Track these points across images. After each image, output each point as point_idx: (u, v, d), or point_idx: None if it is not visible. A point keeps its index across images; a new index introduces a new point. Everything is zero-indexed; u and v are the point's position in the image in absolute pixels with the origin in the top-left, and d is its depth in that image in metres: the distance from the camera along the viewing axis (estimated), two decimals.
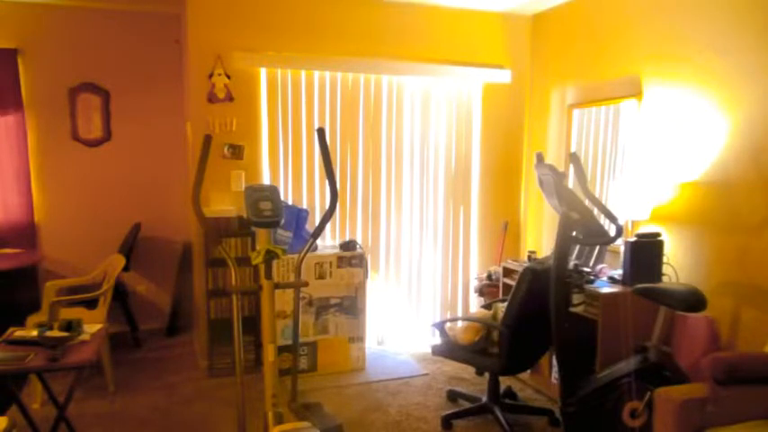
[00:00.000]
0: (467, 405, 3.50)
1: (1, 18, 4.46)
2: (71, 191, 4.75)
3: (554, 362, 3.81)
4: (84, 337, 2.78)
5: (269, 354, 2.57)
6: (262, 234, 2.62)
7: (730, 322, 3.14)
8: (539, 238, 4.86)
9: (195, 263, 4.39)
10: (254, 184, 2.67)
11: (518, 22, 4.81)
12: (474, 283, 4.87)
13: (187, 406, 3.58)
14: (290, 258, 3.95)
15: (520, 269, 3.23)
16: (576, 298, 3.43)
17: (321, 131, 2.79)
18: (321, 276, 4.08)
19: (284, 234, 4.00)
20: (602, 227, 3.08)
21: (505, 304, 3.25)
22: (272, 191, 2.61)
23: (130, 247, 4.47)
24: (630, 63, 3.80)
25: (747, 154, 3.06)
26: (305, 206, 4.32)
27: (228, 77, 4.12)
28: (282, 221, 2.82)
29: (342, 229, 4.55)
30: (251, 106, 4.20)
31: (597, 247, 3.90)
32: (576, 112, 4.34)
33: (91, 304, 3.85)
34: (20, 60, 4.52)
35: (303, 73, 4.30)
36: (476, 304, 4.89)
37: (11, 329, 2.88)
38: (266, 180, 4.30)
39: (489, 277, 4.58)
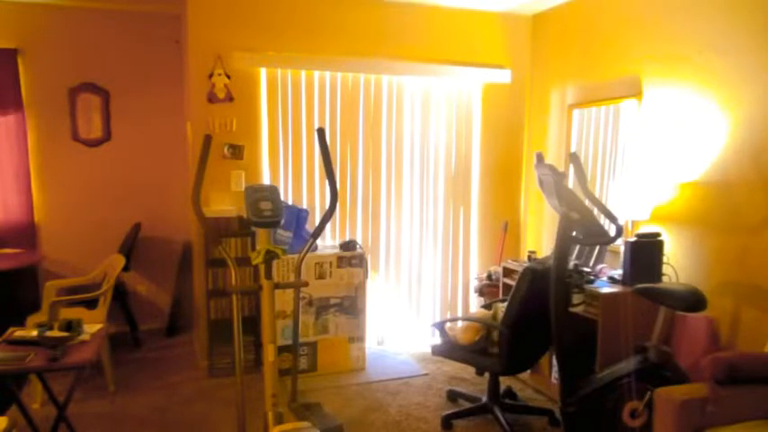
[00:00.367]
0: (467, 405, 3.50)
1: (1, 18, 4.46)
2: (71, 191, 4.75)
3: (554, 362, 3.81)
4: (84, 337, 2.78)
5: (269, 354, 2.57)
6: (262, 234, 2.62)
7: (730, 322, 3.14)
8: (539, 238, 4.86)
9: (195, 263, 4.39)
10: (254, 184, 2.67)
11: (518, 22, 4.81)
12: (474, 283, 4.87)
13: (187, 406, 3.58)
14: (290, 258, 3.95)
15: (520, 269, 3.22)
16: (576, 298, 3.43)
17: (321, 131, 2.79)
18: (321, 276, 4.08)
19: (284, 234, 4.00)
20: (602, 227, 3.08)
21: (505, 304, 3.25)
22: (272, 191, 2.61)
23: (130, 247, 4.47)
24: (630, 63, 3.80)
25: (747, 154, 3.06)
26: (305, 206, 4.32)
27: (228, 77, 4.12)
28: (282, 221, 2.82)
29: (342, 229, 4.55)
30: (251, 106, 4.20)
31: (597, 247, 3.90)
32: (575, 112, 4.34)
33: (91, 304, 3.85)
34: (20, 60, 4.52)
35: (303, 73, 4.30)
36: (476, 304, 4.89)
37: (11, 329, 2.88)
38: (266, 180, 4.30)
39: (489, 277, 4.58)
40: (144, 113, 4.88)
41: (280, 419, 2.54)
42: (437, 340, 3.55)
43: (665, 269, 3.35)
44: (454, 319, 4.12)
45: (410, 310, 4.81)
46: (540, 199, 4.61)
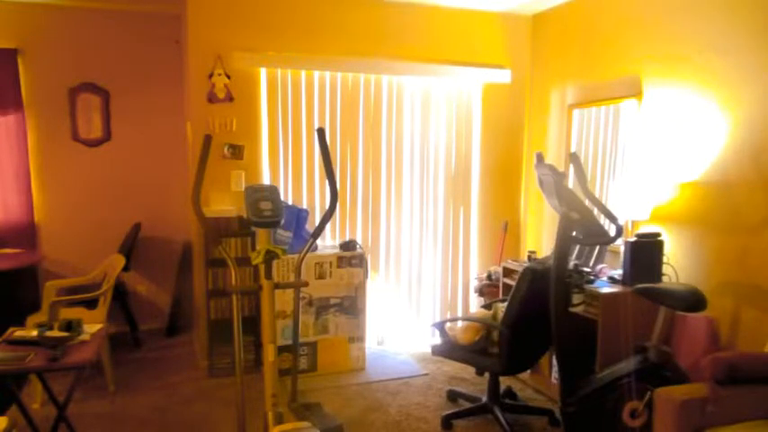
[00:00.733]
0: (467, 405, 3.50)
1: (1, 18, 4.46)
2: (71, 191, 4.75)
3: (554, 362, 3.81)
4: (84, 337, 2.78)
5: (269, 354, 2.57)
6: (262, 234, 2.62)
7: (730, 322, 3.14)
8: (539, 238, 4.86)
9: (195, 263, 4.39)
10: (254, 184, 2.67)
11: (518, 22, 4.81)
12: (474, 283, 4.87)
13: (187, 406, 3.58)
14: (290, 258, 3.95)
15: (520, 269, 3.22)
16: (576, 298, 3.43)
17: (321, 131, 2.79)
18: (321, 276, 4.08)
19: (284, 234, 4.00)
20: (602, 227, 3.08)
21: (505, 304, 3.25)
22: (272, 191, 2.61)
23: (130, 247, 4.47)
24: (630, 63, 3.80)
25: (747, 154, 3.06)
26: (305, 206, 4.33)
27: (228, 77, 4.12)
28: (282, 221, 2.82)
29: (342, 229, 4.55)
30: (251, 106, 4.20)
31: (597, 247, 3.90)
32: (575, 112, 4.34)
33: (91, 304, 3.85)
34: (20, 60, 4.52)
35: (303, 73, 4.30)
36: (476, 304, 4.89)
37: (11, 329, 2.88)
38: (266, 180, 4.30)
39: (489, 277, 4.58)
40: (144, 113, 4.88)
41: (280, 419, 2.54)
42: (437, 340, 3.55)
43: (665, 269, 3.35)
44: (454, 319, 4.12)
45: (410, 310, 4.81)
46: (540, 199, 4.61)
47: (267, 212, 2.53)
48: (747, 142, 3.06)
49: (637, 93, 3.74)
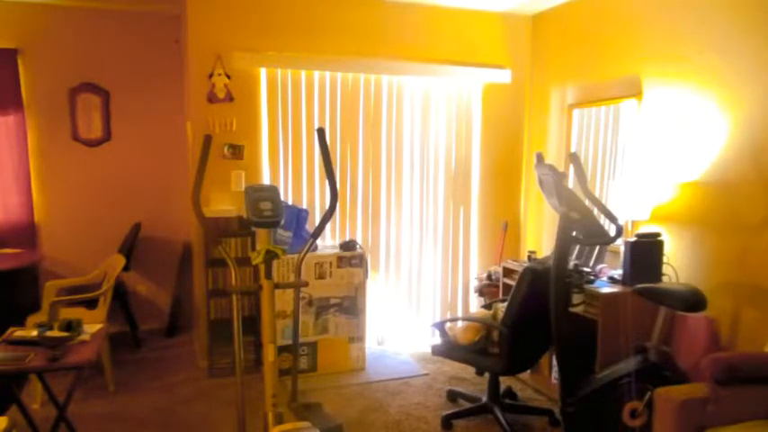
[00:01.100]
0: (467, 405, 3.50)
1: (1, 18, 4.46)
2: (71, 191, 4.75)
3: (554, 362, 3.81)
4: (84, 337, 2.78)
5: (269, 354, 2.57)
6: (262, 234, 2.62)
7: (730, 322, 3.14)
8: (539, 238, 4.86)
9: (195, 263, 4.39)
10: (254, 184, 2.67)
11: (518, 22, 4.81)
12: (474, 284, 4.87)
13: (187, 406, 3.58)
14: (290, 258, 3.94)
15: (520, 269, 3.23)
16: (576, 298, 3.43)
17: (321, 131, 2.79)
18: (321, 276, 4.08)
19: (284, 234, 4.00)
20: (602, 227, 3.08)
21: (505, 304, 3.25)
22: (272, 191, 2.60)
23: (130, 247, 4.47)
24: (630, 63, 3.80)
25: (747, 154, 3.06)
26: (305, 206, 4.32)
27: (228, 77, 4.12)
28: (282, 221, 2.82)
29: (342, 229, 4.55)
30: (251, 106, 4.21)
31: (597, 247, 3.90)
32: (575, 112, 4.34)
33: (91, 304, 3.85)
34: (20, 60, 4.52)
35: (303, 73, 4.30)
36: (476, 304, 4.89)
37: (11, 329, 2.88)
38: (266, 180, 4.30)
39: (489, 277, 4.58)
40: (144, 113, 4.88)
41: (280, 419, 2.54)
42: (437, 340, 3.55)
43: (665, 269, 3.35)
44: (454, 319, 4.12)
45: (410, 310, 4.81)
46: (540, 199, 4.61)
47: (267, 212, 2.53)
48: (747, 142, 3.06)
49: (637, 93, 3.74)
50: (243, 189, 3.66)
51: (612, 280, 3.46)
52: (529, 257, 4.12)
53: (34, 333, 2.69)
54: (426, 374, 4.12)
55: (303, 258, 2.83)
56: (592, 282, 3.50)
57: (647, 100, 3.67)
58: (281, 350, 3.79)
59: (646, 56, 3.68)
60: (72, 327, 2.71)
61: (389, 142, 4.60)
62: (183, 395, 3.73)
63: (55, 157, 4.68)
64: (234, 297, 2.63)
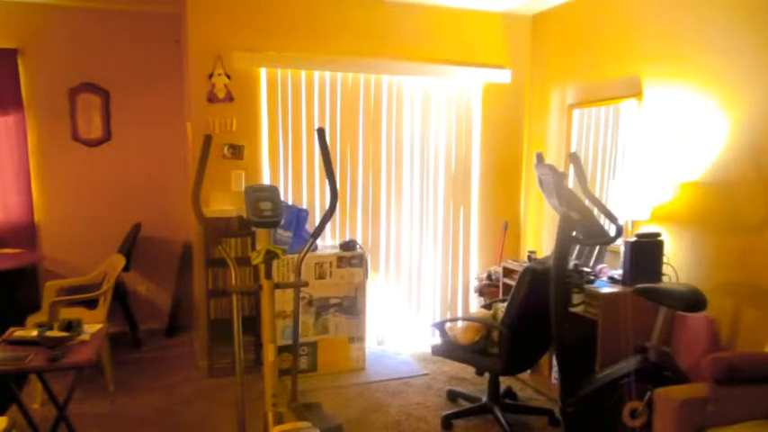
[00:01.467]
0: (467, 405, 3.50)
1: (1, 18, 4.46)
2: (71, 191, 4.75)
3: (554, 362, 3.81)
4: (84, 337, 2.78)
5: (269, 354, 2.57)
6: (262, 234, 2.62)
7: (730, 322, 3.14)
8: (539, 238, 4.86)
9: (195, 263, 4.39)
10: (254, 184, 2.67)
11: (518, 22, 4.81)
12: (474, 283, 4.87)
13: (187, 406, 3.58)
14: (290, 258, 3.95)
15: (520, 269, 3.23)
16: (576, 298, 3.43)
17: (321, 131, 2.79)
18: (321, 276, 4.08)
19: (284, 234, 4.00)
20: (602, 227, 3.07)
21: (505, 304, 3.25)
22: (272, 191, 2.61)
23: (130, 247, 4.47)
24: (630, 63, 3.80)
25: (747, 154, 3.06)
26: (305, 206, 4.33)
27: (228, 77, 4.12)
28: (282, 221, 2.82)
29: (342, 229, 4.55)
30: (251, 106, 4.21)
31: (597, 247, 3.90)
32: (576, 112, 4.34)
33: (91, 304, 3.85)
34: (20, 60, 4.52)
35: (303, 73, 4.30)
36: (476, 304, 4.89)
37: (11, 329, 2.88)
38: (266, 180, 4.30)
39: (489, 277, 4.58)
40: (144, 113, 4.88)
41: (280, 419, 2.54)
42: (437, 340, 3.55)
43: (665, 269, 3.35)
44: (454, 319, 4.12)
45: (410, 310, 4.81)
46: (540, 199, 4.61)
47: (267, 212, 2.53)
48: (747, 142, 3.06)
49: (637, 93, 3.74)
50: (243, 189, 3.67)
51: (612, 280, 3.46)
52: (529, 257, 4.12)
53: (34, 333, 2.69)
54: (426, 374, 4.12)
55: (303, 258, 2.83)
56: (592, 282, 3.50)
57: (647, 100, 3.67)
58: (281, 350, 3.79)
59: (646, 56, 3.68)
60: (72, 327, 2.71)
61: (389, 142, 4.60)
62: (183, 395, 3.73)
63: (55, 157, 4.68)
64: (234, 297, 2.64)
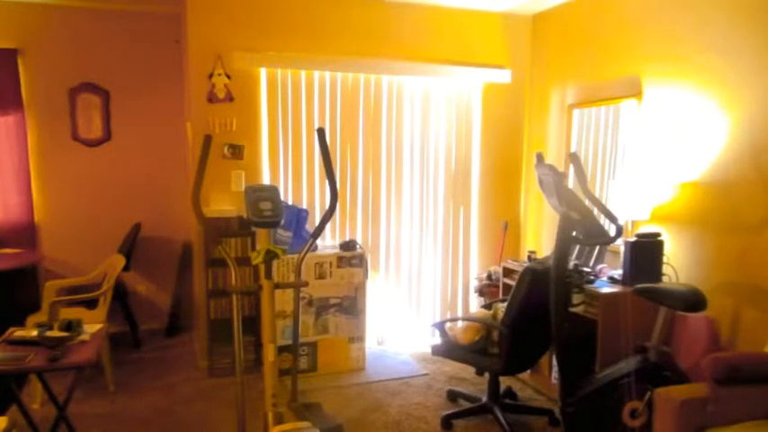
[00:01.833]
0: (467, 405, 3.50)
1: (1, 18, 4.46)
2: (71, 191, 4.75)
3: (554, 362, 3.81)
4: (84, 337, 2.78)
5: (269, 354, 2.57)
6: (262, 234, 2.62)
7: (730, 322, 3.14)
8: (539, 238, 4.86)
9: (195, 263, 4.39)
10: (254, 184, 2.67)
11: (518, 22, 4.81)
12: (474, 284, 4.87)
13: (187, 406, 3.58)
14: (290, 258, 3.95)
15: (520, 269, 3.22)
16: (576, 298, 3.43)
17: (321, 131, 2.79)
18: (321, 276, 4.08)
19: (284, 234, 4.00)
20: (602, 227, 3.07)
21: (505, 304, 3.25)
22: (272, 191, 2.61)
23: (130, 247, 4.47)
24: (630, 63, 3.80)
25: (747, 154, 3.06)
26: (305, 206, 4.33)
27: (228, 77, 4.12)
28: (282, 221, 2.82)
29: (342, 229, 4.55)
30: (251, 106, 4.21)
31: (597, 247, 3.90)
32: (576, 112, 4.34)
33: (91, 304, 3.85)
34: (20, 60, 4.52)
35: (303, 73, 4.30)
36: (476, 304, 4.89)
37: (11, 329, 2.88)
38: (266, 180, 4.30)
39: (489, 277, 4.58)
40: (144, 113, 4.88)
41: (280, 419, 2.54)
42: (437, 340, 3.55)
43: (665, 269, 3.35)
44: (454, 319, 4.12)
45: (410, 310, 4.81)
46: (540, 199, 4.61)
47: (267, 212, 2.53)
48: (747, 142, 3.06)
49: (637, 93, 3.74)
50: (243, 189, 3.67)
51: (612, 280, 3.46)
52: (529, 257, 4.12)
53: (34, 333, 2.69)
54: (426, 374, 4.12)
55: (303, 258, 2.83)
56: (592, 282, 3.50)
57: (647, 100, 3.67)
58: (281, 350, 3.79)
59: (646, 56, 3.68)
60: (72, 327, 2.71)
61: (389, 142, 4.60)
62: (183, 395, 3.73)
63: (55, 157, 4.68)
64: (234, 297, 2.64)
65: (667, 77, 3.53)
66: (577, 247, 3.97)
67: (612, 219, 3.00)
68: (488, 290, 4.53)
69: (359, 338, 4.21)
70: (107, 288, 3.80)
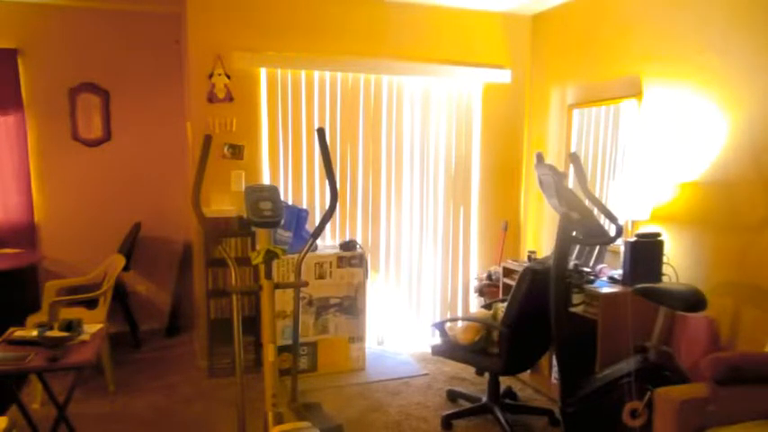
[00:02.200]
0: (467, 405, 3.50)
1: (1, 18, 4.46)
2: (71, 191, 4.75)
3: (554, 362, 3.81)
4: (84, 337, 2.78)
5: (269, 354, 2.57)
6: (262, 234, 2.62)
7: (730, 322, 3.14)
8: (539, 238, 4.86)
9: (195, 263, 4.39)
10: (254, 184, 2.67)
11: (518, 22, 4.81)
12: (474, 284, 4.87)
13: (187, 406, 3.58)
14: (290, 258, 3.95)
15: (520, 269, 3.23)
16: (576, 298, 3.43)
17: (321, 131, 2.79)
18: (321, 276, 4.08)
19: (284, 234, 4.00)
20: (602, 227, 3.08)
21: (505, 304, 3.25)
22: (272, 191, 2.61)
23: (130, 247, 4.47)
24: (630, 63, 3.80)
25: (747, 154, 3.06)
26: (305, 206, 4.33)
27: (228, 77, 4.12)
28: (282, 221, 2.82)
29: (342, 229, 4.55)
30: (251, 106, 4.21)
31: (597, 247, 3.90)
32: (575, 112, 4.34)
33: (91, 304, 3.85)
34: (20, 60, 4.52)
35: (303, 73, 4.30)
36: (476, 304, 4.89)
37: (11, 329, 2.88)
38: (266, 180, 4.30)
39: (489, 277, 4.58)
40: (144, 113, 4.87)
41: (280, 419, 2.54)
42: (437, 340, 3.55)
43: (665, 269, 3.35)
44: (454, 319, 4.12)
45: (410, 310, 4.81)
46: (540, 199, 4.61)
47: (267, 212, 2.53)
48: (747, 142, 3.06)
49: (637, 93, 3.74)
50: (243, 189, 3.67)
51: (612, 280, 3.46)
52: (529, 257, 4.12)
53: (34, 333, 2.69)
54: (426, 374, 4.12)
55: (303, 258, 2.83)
56: (592, 282, 3.50)
57: (647, 100, 3.67)
58: (281, 350, 3.79)
59: (646, 56, 3.68)
60: (72, 327, 2.71)
61: (389, 142, 4.60)
62: (183, 395, 3.73)
63: (55, 157, 4.68)
64: (234, 297, 2.64)
65: (667, 77, 3.53)
66: (577, 247, 3.97)
67: (612, 219, 3.00)
68: (488, 290, 4.53)
69: (359, 338, 4.21)
70: (107, 288, 3.80)
